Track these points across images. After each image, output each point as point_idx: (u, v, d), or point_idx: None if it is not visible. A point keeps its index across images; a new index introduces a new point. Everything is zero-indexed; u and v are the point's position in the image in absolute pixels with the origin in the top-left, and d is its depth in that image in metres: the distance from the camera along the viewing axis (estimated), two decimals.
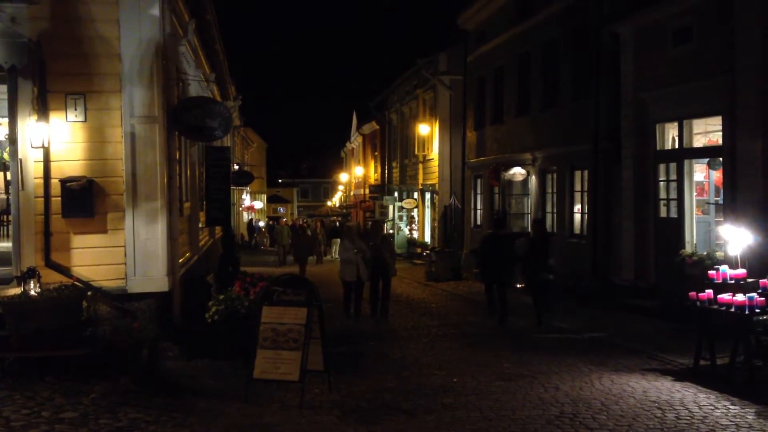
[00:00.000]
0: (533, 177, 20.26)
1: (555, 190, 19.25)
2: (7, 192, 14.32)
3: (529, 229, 17.61)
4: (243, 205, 47.54)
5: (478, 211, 25.06)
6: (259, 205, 60.76)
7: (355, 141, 53.68)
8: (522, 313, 14.35)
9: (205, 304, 10.61)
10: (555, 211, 19.16)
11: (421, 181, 32.02)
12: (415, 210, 33.76)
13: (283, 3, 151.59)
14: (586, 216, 17.54)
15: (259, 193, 64.93)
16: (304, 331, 8.21)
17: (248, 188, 45.01)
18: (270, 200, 77.70)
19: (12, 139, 9.93)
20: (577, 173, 18.10)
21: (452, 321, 14.55)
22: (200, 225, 15.91)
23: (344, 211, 56.01)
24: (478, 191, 25.04)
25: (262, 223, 57.13)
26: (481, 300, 15.64)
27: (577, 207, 18.17)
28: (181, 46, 12.98)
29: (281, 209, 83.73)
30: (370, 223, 26.26)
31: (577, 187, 18.11)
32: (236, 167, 30.59)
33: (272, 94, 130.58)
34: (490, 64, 23.59)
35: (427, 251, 26.81)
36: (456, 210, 26.88)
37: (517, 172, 20.64)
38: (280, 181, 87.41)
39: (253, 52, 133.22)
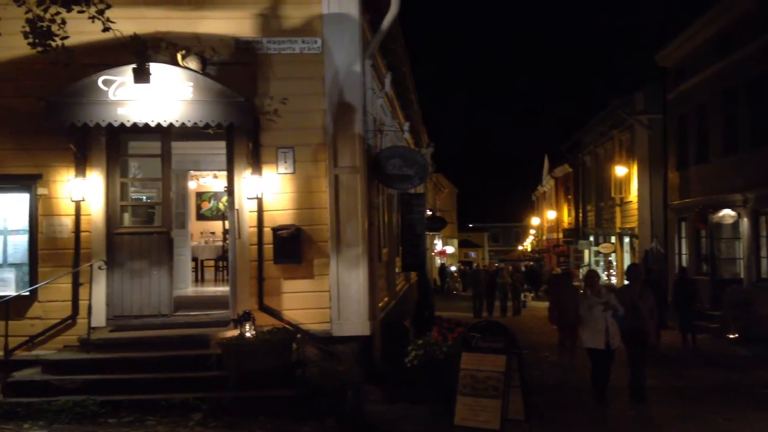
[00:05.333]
0: (744, 219, 18.89)
1: None
2: (224, 239, 15.55)
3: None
4: (435, 250, 48.12)
5: (683, 256, 23.69)
6: (450, 249, 61.26)
7: (547, 184, 52.88)
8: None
9: (404, 348, 10.81)
10: None
11: (618, 224, 30.84)
12: (613, 255, 32.50)
13: (471, 49, 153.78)
14: None
15: (451, 237, 65.47)
16: (504, 378, 8.11)
17: (440, 233, 45.56)
18: (461, 245, 78.06)
19: (229, 190, 10.77)
20: None
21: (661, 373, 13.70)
22: (397, 270, 16.29)
23: (537, 255, 55.11)
24: (683, 235, 23.72)
25: (453, 268, 57.45)
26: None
27: None
28: (379, 98, 13.55)
29: (472, 254, 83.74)
30: (587, 270, 21.50)
31: None
32: (429, 212, 31.08)
33: (462, 138, 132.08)
34: (691, 102, 22.49)
35: None
36: (658, 255, 25.56)
37: (727, 214, 19.37)
38: (470, 225, 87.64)
39: (442, 97, 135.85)
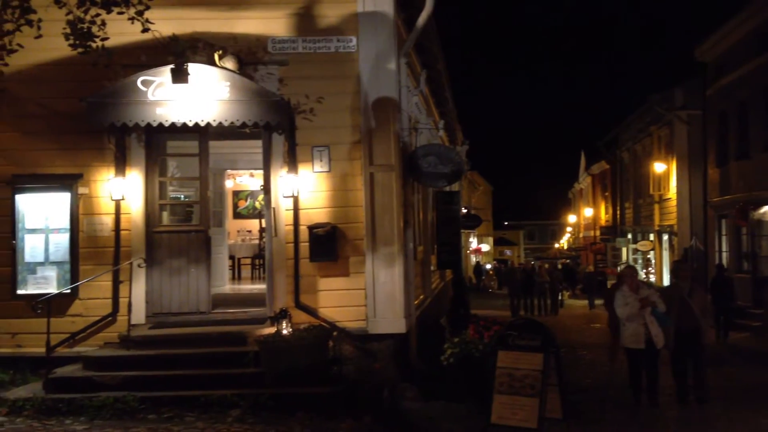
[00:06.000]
0: None
1: None
2: (260, 238, 15.68)
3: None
4: (470, 248, 47.96)
5: (723, 254, 23.30)
6: (486, 247, 61.07)
7: (584, 181, 52.38)
8: None
9: (439, 346, 10.78)
10: None
11: (657, 221, 30.44)
12: (651, 252, 32.08)
13: (507, 45, 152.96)
14: None
15: (486, 235, 65.23)
16: (541, 377, 8.04)
17: (475, 231, 45.40)
18: (496, 243, 77.69)
19: (266, 189, 10.86)
20: None
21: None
22: (432, 268, 16.27)
23: (573, 253, 54.65)
24: (723, 232, 23.33)
25: (488, 266, 57.21)
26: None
27: None
28: (414, 96, 13.54)
29: (507, 252, 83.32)
30: (623, 266, 19.16)
31: None
32: (464, 210, 30.97)
33: (496, 135, 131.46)
34: (732, 97, 22.10)
35: None
36: (698, 252, 25.17)
37: None
38: (505, 223, 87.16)
39: (477, 94, 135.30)
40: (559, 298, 30.67)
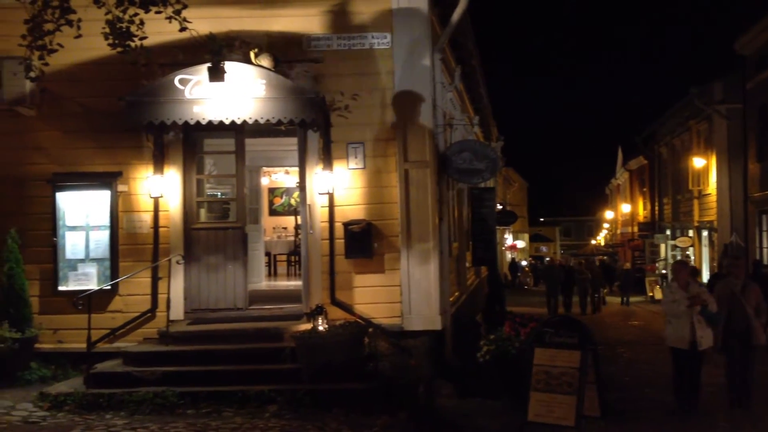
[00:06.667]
0: None
1: None
2: (296, 234, 15.77)
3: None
4: (506, 245, 47.70)
5: (764, 250, 22.87)
6: (521, 244, 60.66)
7: (621, 177, 51.76)
8: None
9: (475, 343, 10.74)
10: None
11: (696, 217, 29.96)
12: (690, 249, 31.59)
13: (541, 39, 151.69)
14: None
15: (521, 232, 64.78)
16: (579, 375, 7.98)
17: (510, 227, 45.13)
18: (532, 239, 77.15)
19: (301, 186, 10.92)
20: None
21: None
22: (467, 265, 16.21)
23: (610, 250, 54.06)
24: (764, 228, 22.89)
25: (524, 263, 56.85)
26: None
27: None
28: (449, 92, 13.48)
29: (543, 248, 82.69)
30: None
31: None
32: (499, 207, 30.76)
33: (532, 131, 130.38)
34: None
35: None
36: (738, 248, 24.73)
37: None
38: (541, 219, 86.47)
39: (512, 90, 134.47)
40: (602, 296, 29.78)
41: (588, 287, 28.10)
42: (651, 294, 32.60)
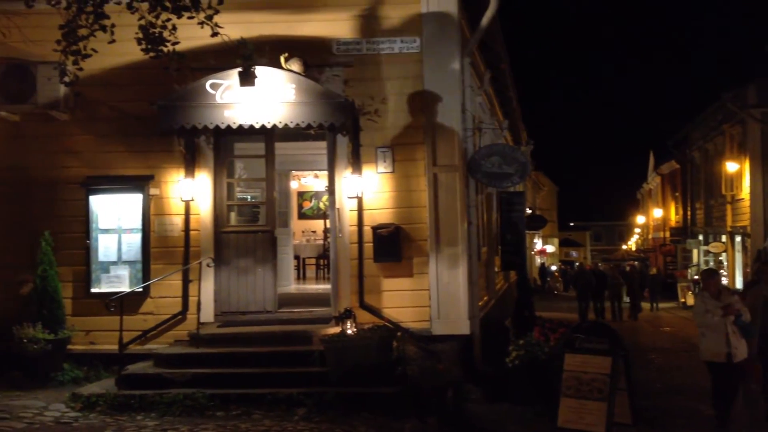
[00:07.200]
0: None
1: None
2: (325, 238, 15.82)
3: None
4: (535, 249, 47.42)
5: None
6: (551, 248, 60.23)
7: (653, 182, 51.26)
8: None
9: (503, 348, 10.67)
10: None
11: (729, 222, 29.52)
12: (723, 254, 31.14)
13: (573, 43, 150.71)
14: None
15: (551, 236, 64.35)
16: (609, 381, 7.90)
17: (540, 232, 44.87)
18: (562, 244, 76.55)
19: (330, 190, 10.95)
20: None
21: None
22: (496, 269, 16.14)
23: (642, 255, 53.51)
24: None
25: (554, 267, 56.44)
26: None
27: None
28: (478, 96, 13.45)
29: (573, 253, 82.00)
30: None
31: None
32: (529, 211, 30.55)
33: (562, 135, 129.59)
34: None
35: None
36: None
37: None
38: (571, 224, 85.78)
39: (542, 94, 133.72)
40: (638, 302, 28.74)
41: (621, 293, 27.49)
42: (683, 300, 32.19)
